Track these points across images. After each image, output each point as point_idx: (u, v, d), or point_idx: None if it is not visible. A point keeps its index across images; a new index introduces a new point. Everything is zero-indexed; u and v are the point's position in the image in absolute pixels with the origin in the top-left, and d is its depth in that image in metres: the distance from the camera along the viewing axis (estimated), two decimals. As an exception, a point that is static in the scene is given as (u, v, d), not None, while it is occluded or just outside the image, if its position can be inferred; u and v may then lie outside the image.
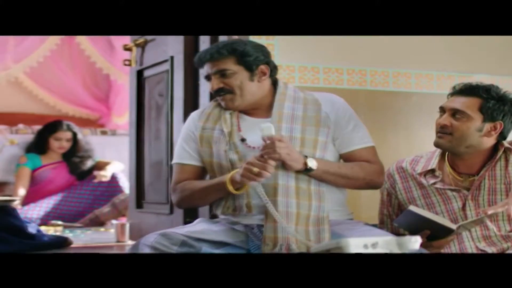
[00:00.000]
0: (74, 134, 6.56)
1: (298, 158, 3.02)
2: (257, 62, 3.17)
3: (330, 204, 3.13)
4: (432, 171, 3.31)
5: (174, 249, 2.95)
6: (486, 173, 3.23)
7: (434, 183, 3.30)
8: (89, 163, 6.57)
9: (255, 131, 3.11)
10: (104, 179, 6.39)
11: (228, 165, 3.11)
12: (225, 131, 3.16)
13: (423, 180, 3.32)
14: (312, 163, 3.04)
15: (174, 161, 3.31)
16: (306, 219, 3.04)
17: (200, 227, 3.11)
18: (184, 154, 3.27)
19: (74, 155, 6.53)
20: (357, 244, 2.39)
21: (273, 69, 3.25)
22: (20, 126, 7.53)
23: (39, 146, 6.55)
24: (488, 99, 3.18)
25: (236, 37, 3.71)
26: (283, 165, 3.02)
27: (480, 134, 3.19)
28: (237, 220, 3.13)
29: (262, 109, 3.22)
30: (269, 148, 2.96)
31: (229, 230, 3.12)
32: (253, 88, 3.17)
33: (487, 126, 3.19)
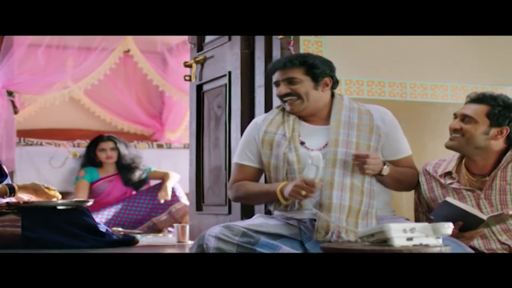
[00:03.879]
0: (115, 143, 6.81)
1: (379, 169, 3.41)
2: (323, 74, 3.50)
3: (378, 203, 3.44)
4: (449, 173, 3.54)
5: (236, 239, 3.22)
6: (498, 173, 3.42)
7: (451, 183, 3.52)
8: (138, 173, 6.77)
9: (313, 136, 3.48)
10: (167, 198, 6.54)
11: (285, 166, 3.43)
12: (287, 136, 3.47)
13: (443, 181, 3.55)
14: (386, 171, 3.42)
15: (234, 160, 3.65)
16: (356, 212, 3.34)
17: (258, 221, 3.40)
18: (243, 156, 3.60)
19: (125, 167, 6.76)
20: (397, 228, 2.63)
21: (335, 82, 3.58)
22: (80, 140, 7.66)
23: (89, 160, 6.81)
24: (495, 106, 3.40)
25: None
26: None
27: (487, 137, 3.41)
28: (291, 215, 3.42)
29: (321, 117, 3.56)
30: (361, 163, 3.33)
31: (284, 225, 3.39)
32: (316, 96, 3.50)
33: (494, 130, 3.41)
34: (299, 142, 3.49)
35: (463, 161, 3.56)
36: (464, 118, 3.47)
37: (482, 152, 3.46)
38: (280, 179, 3.46)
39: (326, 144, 3.47)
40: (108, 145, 6.80)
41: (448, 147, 3.52)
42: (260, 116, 3.74)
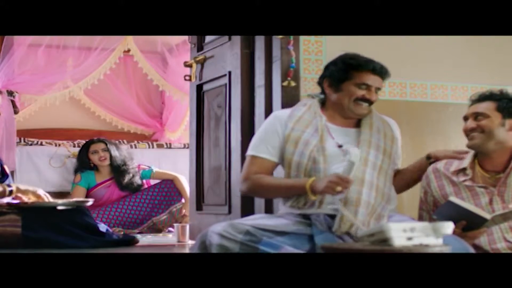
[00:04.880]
0: (106, 144, 6.79)
1: None
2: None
3: (390, 206, 3.52)
4: (463, 170, 3.55)
5: (239, 237, 3.20)
6: None
7: (464, 181, 3.53)
8: (128, 177, 6.71)
9: (341, 137, 3.52)
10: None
11: (309, 165, 3.42)
12: (318, 135, 3.47)
13: (455, 178, 3.56)
14: None
15: (251, 152, 3.58)
16: (373, 212, 3.38)
17: (263, 221, 3.36)
18: (262, 148, 3.55)
19: (118, 171, 6.72)
20: (397, 228, 2.60)
21: None
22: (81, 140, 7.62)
23: (84, 165, 6.79)
24: (502, 100, 3.46)
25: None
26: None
27: (504, 129, 3.45)
28: (303, 212, 3.41)
29: (351, 119, 3.60)
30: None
31: (292, 223, 3.37)
32: None
33: (508, 121, 3.45)
34: (330, 143, 3.50)
35: (476, 158, 3.58)
36: (477, 116, 3.50)
37: (501, 146, 3.49)
38: (301, 177, 3.44)
39: (356, 146, 3.49)
40: (99, 146, 6.78)
41: (470, 146, 3.54)
42: (281, 111, 3.74)
